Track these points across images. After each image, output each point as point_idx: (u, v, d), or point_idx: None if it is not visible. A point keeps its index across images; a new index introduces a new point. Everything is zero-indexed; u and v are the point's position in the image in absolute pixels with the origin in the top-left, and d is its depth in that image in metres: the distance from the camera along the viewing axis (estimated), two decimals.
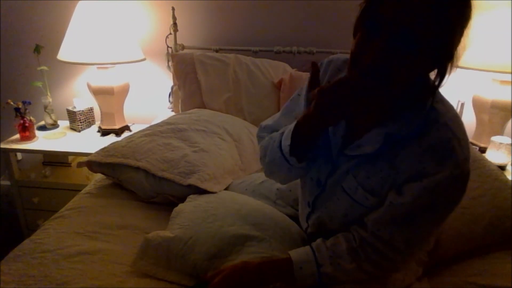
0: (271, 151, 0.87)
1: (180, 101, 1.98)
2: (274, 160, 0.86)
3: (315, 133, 0.77)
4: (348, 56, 0.71)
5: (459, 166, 0.69)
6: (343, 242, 0.82)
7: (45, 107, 2.03)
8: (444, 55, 0.65)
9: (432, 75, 0.70)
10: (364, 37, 0.66)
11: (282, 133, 0.84)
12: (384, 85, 0.65)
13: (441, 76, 0.68)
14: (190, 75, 1.90)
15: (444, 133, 0.69)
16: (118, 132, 1.98)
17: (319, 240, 0.86)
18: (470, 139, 1.86)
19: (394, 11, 0.61)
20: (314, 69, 0.77)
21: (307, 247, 0.85)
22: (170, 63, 2.04)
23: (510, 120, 1.82)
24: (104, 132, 1.98)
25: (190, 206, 1.10)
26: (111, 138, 1.93)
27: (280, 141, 0.83)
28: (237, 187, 1.27)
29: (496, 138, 1.66)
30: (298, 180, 0.96)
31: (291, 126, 0.80)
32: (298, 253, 0.84)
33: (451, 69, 0.67)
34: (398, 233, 0.76)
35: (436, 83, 0.69)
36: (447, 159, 0.68)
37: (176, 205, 1.13)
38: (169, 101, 2.13)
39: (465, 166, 0.70)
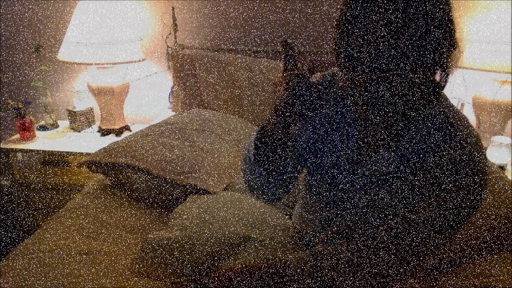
0: (243, 162, 0.79)
1: (180, 101, 1.98)
2: (245, 172, 0.80)
3: (280, 130, 0.67)
4: None
5: (480, 181, 0.67)
6: (345, 251, 0.80)
7: (45, 107, 2.03)
8: (445, 44, 0.63)
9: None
10: (362, 71, 0.63)
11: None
12: (405, 102, 0.64)
13: (446, 69, 0.65)
14: (190, 75, 1.90)
15: (462, 149, 0.67)
16: (118, 132, 1.98)
17: (319, 246, 0.85)
18: None
19: (375, 36, 0.59)
20: (288, 48, 0.64)
21: (308, 253, 0.84)
22: (170, 63, 2.04)
23: (510, 120, 1.82)
24: (104, 132, 1.98)
25: (189, 207, 1.10)
26: (111, 138, 1.93)
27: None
28: (237, 187, 1.27)
29: (496, 138, 1.66)
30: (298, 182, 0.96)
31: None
32: (297, 259, 0.84)
33: (455, 59, 0.65)
34: (408, 246, 0.75)
35: (443, 77, 0.67)
36: (465, 176, 0.67)
37: (176, 205, 1.13)
38: (169, 101, 2.13)
39: (485, 178, 0.67)
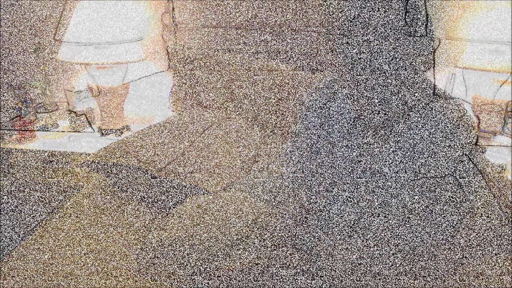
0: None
1: (180, 101, 1.98)
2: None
3: None
4: None
5: (479, 181, 0.68)
6: (345, 251, 0.81)
7: (45, 107, 2.03)
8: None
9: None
10: (362, 71, 0.65)
11: None
12: (404, 101, 0.65)
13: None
14: (190, 74, 1.90)
15: (461, 149, 0.68)
16: (118, 132, 1.98)
17: (319, 246, 0.85)
18: None
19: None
20: None
21: (308, 253, 0.85)
22: (170, 63, 2.04)
23: (510, 120, 1.82)
24: (104, 132, 1.98)
25: (189, 207, 1.10)
26: (111, 138, 1.93)
27: None
28: (237, 187, 1.27)
29: (496, 138, 1.66)
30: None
31: None
32: (297, 259, 0.84)
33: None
34: (408, 246, 0.75)
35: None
36: (465, 176, 0.68)
37: (176, 205, 1.14)
38: (169, 101, 2.13)
39: (484, 178, 0.69)
